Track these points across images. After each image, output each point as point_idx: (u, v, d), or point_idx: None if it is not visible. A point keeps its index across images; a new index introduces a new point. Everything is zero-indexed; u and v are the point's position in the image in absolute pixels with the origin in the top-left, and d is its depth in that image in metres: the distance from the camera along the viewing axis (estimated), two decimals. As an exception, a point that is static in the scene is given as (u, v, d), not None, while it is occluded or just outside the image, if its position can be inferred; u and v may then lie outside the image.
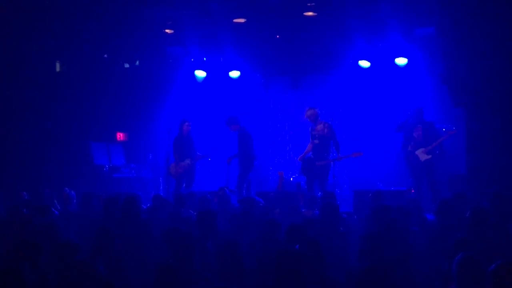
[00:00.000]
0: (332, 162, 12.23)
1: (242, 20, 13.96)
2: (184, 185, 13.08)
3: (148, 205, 10.45)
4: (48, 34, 14.44)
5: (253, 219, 7.89)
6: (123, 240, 6.96)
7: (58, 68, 16.45)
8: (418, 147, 11.76)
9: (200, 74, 15.09)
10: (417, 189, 11.62)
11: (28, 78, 14.98)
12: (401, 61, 13.47)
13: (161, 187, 14.46)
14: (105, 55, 15.80)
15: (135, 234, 7.50)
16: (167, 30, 14.73)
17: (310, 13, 13.44)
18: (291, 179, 14.60)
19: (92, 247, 6.50)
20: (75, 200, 9.84)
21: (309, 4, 13.29)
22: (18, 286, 4.66)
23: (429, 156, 11.62)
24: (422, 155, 11.70)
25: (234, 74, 14.99)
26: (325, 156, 12.16)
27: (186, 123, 13.25)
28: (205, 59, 15.02)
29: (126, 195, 9.00)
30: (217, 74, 15.20)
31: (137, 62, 16.27)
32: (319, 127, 12.15)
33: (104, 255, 6.20)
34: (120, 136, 16.24)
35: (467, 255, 5.13)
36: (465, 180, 11.10)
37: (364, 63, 13.82)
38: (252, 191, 12.79)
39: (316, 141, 12.13)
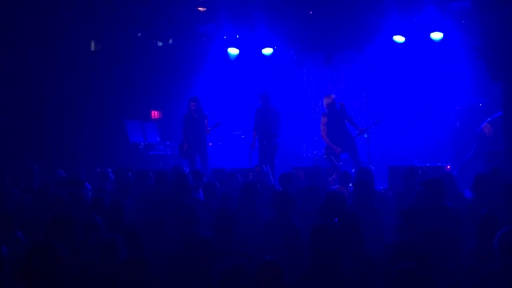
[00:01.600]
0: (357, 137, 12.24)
1: (274, -4, 13.89)
2: (197, 162, 13.00)
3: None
4: (83, 14, 14.56)
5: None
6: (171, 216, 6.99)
7: (93, 47, 16.63)
8: None
9: (233, 51, 15.07)
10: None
11: (63, 57, 15.18)
12: (436, 35, 13.25)
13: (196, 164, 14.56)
14: (139, 34, 15.89)
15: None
16: (199, 8, 14.73)
17: (343, -12, 13.32)
18: (325, 156, 14.56)
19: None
20: (111, 176, 9.95)
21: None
22: (51, 263, 4.68)
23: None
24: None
25: (267, 51, 14.94)
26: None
27: (192, 102, 13.00)
28: (237, 36, 14.99)
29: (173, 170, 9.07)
30: (250, 51, 15.17)
31: (170, 41, 16.33)
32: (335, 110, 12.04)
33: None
34: (154, 114, 16.39)
35: (509, 230, 5.07)
36: (502, 155, 10.93)
37: (399, 38, 13.63)
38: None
39: (335, 122, 12.05)
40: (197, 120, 12.94)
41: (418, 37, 13.53)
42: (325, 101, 12.15)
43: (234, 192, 8.39)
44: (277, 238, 6.34)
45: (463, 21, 12.93)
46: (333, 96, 12.14)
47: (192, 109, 12.98)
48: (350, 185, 9.16)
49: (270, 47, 14.85)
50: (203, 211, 7.15)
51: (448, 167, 11.63)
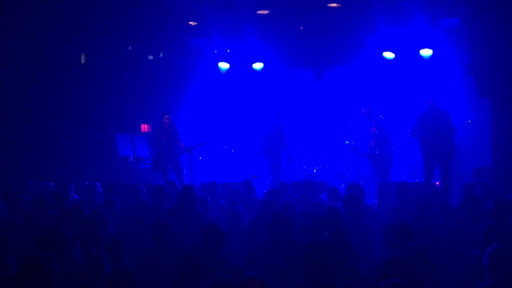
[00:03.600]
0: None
1: (265, 12, 13.93)
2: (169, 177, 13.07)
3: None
4: (73, 27, 14.55)
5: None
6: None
7: (83, 60, 16.60)
8: None
9: (224, 66, 15.09)
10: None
11: (53, 70, 15.15)
12: (426, 52, 13.34)
13: (185, 178, 14.51)
14: (129, 47, 15.90)
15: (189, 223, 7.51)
16: (190, 22, 14.76)
17: (334, 4, 13.37)
18: (314, 170, 14.59)
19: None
20: (100, 190, 9.90)
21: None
22: (44, 275, 4.66)
23: None
24: None
25: (258, 65, 14.96)
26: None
27: (165, 116, 13.08)
28: (228, 51, 15.01)
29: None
30: (241, 66, 15.19)
31: (161, 54, 16.34)
32: (373, 124, 12.59)
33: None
34: (144, 127, 16.35)
35: (499, 247, 5.07)
36: (491, 172, 10.97)
37: (389, 55, 13.72)
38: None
39: (375, 136, 12.56)
40: (170, 134, 13.05)
41: (407, 54, 13.60)
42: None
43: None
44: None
45: (452, 38, 13.02)
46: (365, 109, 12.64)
47: (166, 122, 13.08)
48: (338, 203, 9.14)
49: (260, 62, 14.88)
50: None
51: (437, 183, 11.65)
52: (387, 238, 6.08)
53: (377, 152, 12.49)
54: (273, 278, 5.70)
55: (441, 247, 6.62)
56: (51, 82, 15.16)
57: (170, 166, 13.12)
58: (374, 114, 12.54)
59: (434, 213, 7.54)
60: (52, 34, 14.71)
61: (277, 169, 13.22)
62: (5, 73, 14.78)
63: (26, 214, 8.29)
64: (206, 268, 5.39)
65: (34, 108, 15.13)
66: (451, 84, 13.36)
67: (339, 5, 13.38)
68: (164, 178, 12.89)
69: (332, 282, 4.96)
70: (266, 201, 8.21)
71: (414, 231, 5.95)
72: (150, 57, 16.43)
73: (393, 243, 5.87)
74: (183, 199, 7.99)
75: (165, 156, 13.00)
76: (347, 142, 14.65)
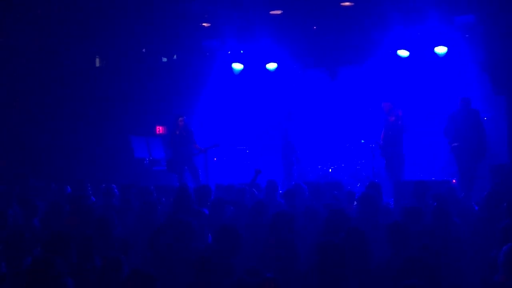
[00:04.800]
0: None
1: (278, 12, 13.91)
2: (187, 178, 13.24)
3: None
4: (88, 30, 14.62)
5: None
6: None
7: (98, 63, 16.69)
8: None
9: (237, 66, 15.08)
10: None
11: (68, 74, 15.24)
12: (440, 50, 13.25)
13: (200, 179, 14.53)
14: (143, 50, 15.95)
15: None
16: (204, 24, 14.78)
17: (347, 3, 13.33)
18: (330, 170, 14.55)
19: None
20: (116, 192, 9.93)
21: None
22: (51, 277, 4.68)
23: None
24: None
25: (271, 66, 14.94)
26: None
27: (180, 118, 13.35)
28: (242, 51, 15.01)
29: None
30: (254, 66, 15.18)
31: (175, 56, 16.38)
32: (392, 119, 12.58)
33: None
34: (159, 129, 16.40)
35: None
36: (507, 169, 10.88)
37: (403, 53, 13.64)
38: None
39: (390, 132, 12.54)
40: (184, 136, 13.20)
41: (422, 52, 13.52)
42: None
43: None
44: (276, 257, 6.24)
45: (467, 35, 12.91)
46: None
47: (180, 125, 13.22)
48: (355, 203, 9.11)
49: (274, 62, 14.86)
50: (209, 227, 7.14)
51: (454, 181, 11.59)
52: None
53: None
54: (288, 278, 5.71)
55: (460, 246, 6.57)
56: (66, 86, 15.25)
57: (186, 167, 13.21)
58: (394, 110, 12.57)
59: (453, 211, 7.48)
60: (67, 38, 14.78)
61: (289, 169, 13.37)
62: (20, 77, 14.89)
63: (43, 217, 8.34)
64: (220, 270, 5.39)
65: (49, 111, 15.23)
66: (466, 81, 13.27)
67: (352, 3, 13.32)
68: (180, 179, 12.97)
69: (344, 281, 4.95)
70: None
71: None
72: (164, 59, 16.47)
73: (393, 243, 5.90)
74: (178, 201, 8.02)
75: (180, 158, 13.11)
76: (362, 141, 14.58)
